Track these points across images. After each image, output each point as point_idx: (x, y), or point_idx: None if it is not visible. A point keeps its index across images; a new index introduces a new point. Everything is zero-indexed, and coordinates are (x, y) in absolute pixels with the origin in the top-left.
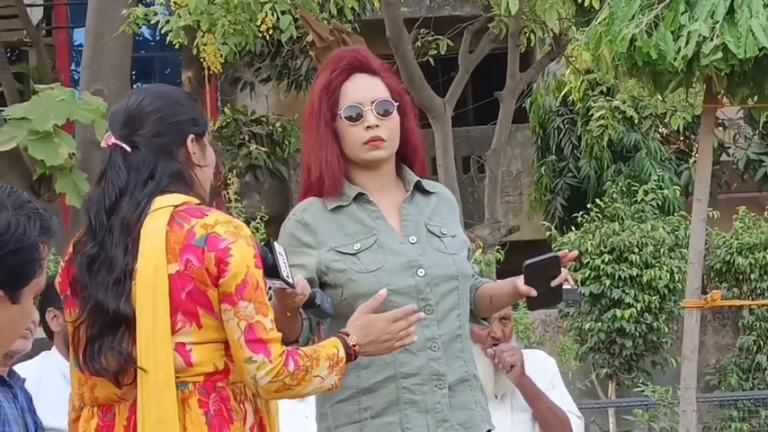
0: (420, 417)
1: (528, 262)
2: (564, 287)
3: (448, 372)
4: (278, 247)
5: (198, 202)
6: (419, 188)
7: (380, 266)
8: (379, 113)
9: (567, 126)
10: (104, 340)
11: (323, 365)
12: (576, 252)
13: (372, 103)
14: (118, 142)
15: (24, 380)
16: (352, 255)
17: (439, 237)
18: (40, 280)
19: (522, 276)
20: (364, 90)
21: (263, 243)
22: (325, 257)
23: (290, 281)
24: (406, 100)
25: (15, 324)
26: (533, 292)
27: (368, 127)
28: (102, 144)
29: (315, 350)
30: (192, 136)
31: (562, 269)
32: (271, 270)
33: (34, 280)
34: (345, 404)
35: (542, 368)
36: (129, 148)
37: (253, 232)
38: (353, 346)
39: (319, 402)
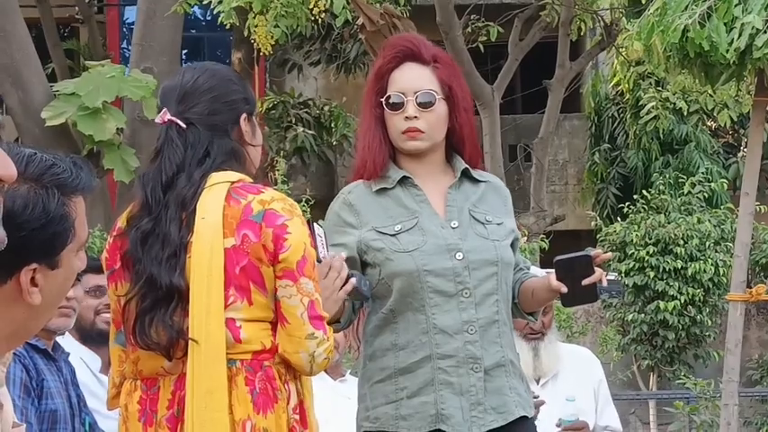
0: (455, 398)
1: (558, 258)
2: (607, 278)
3: (484, 355)
4: (317, 228)
5: (251, 180)
6: (468, 176)
7: (418, 247)
8: (419, 105)
9: (621, 115)
10: (156, 313)
11: None
12: (609, 254)
13: (415, 93)
14: (174, 119)
15: (68, 354)
16: (391, 235)
17: (483, 223)
18: (79, 236)
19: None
20: (410, 80)
21: None
22: (366, 236)
23: None
24: (458, 92)
25: (64, 285)
26: (563, 289)
27: (406, 117)
28: (157, 120)
29: None
30: (244, 115)
31: (596, 269)
32: None
33: (69, 245)
34: (383, 384)
35: (588, 368)
36: (184, 125)
37: None
38: None
39: (359, 384)
